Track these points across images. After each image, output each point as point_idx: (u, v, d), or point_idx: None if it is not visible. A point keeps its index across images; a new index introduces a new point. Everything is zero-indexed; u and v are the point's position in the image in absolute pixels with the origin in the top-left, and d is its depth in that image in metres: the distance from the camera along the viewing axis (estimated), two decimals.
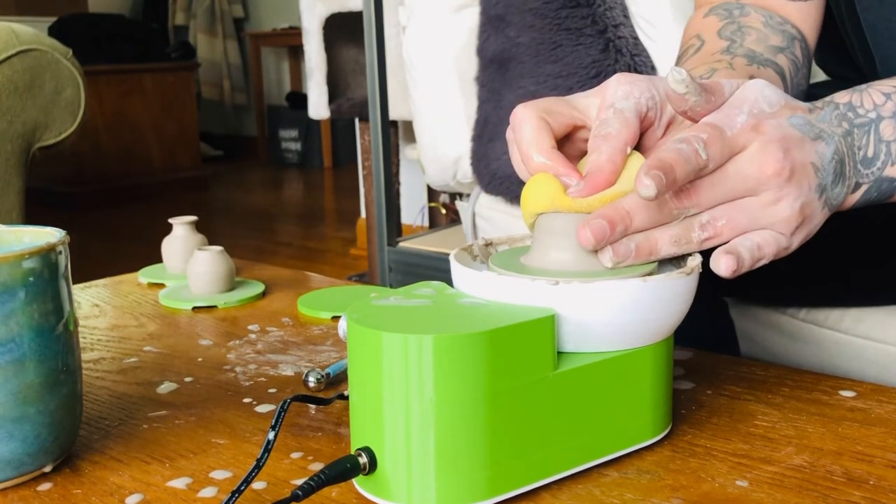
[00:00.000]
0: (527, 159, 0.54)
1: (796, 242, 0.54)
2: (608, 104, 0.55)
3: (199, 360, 0.73)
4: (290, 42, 5.26)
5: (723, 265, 0.51)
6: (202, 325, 0.83)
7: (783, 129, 0.52)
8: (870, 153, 0.56)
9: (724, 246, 0.52)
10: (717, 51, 0.71)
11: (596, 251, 0.51)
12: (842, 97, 0.57)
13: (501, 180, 1.48)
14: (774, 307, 0.88)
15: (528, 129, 0.54)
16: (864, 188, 0.57)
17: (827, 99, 0.57)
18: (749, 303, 0.88)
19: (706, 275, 0.54)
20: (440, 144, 1.72)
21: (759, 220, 0.52)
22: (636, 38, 1.44)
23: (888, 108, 0.56)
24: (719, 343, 0.74)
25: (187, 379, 0.68)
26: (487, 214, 1.58)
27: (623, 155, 0.52)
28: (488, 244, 0.59)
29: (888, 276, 0.80)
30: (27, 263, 0.49)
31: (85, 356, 0.74)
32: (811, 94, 0.72)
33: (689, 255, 0.55)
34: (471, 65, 1.58)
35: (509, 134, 0.56)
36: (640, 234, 0.51)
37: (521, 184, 0.57)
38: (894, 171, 0.57)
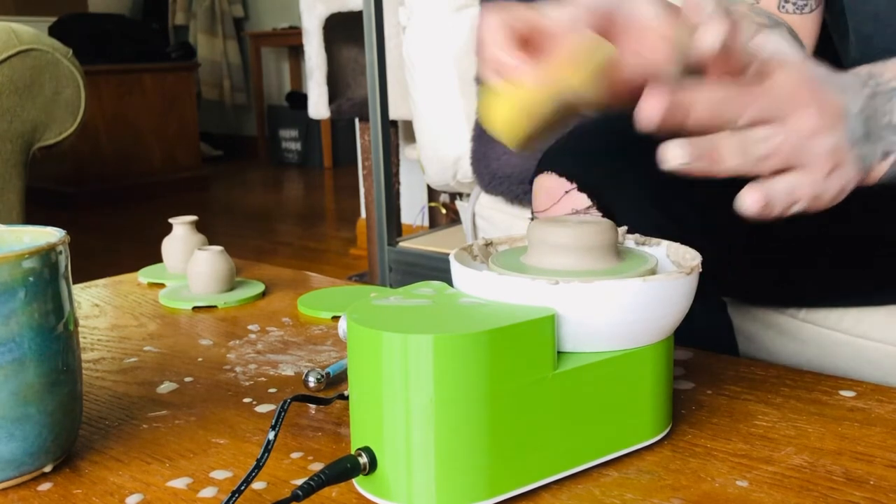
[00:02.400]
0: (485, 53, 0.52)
1: (831, 190, 0.52)
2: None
3: (199, 360, 0.73)
4: (290, 42, 5.26)
5: (749, 200, 0.49)
6: (202, 325, 0.83)
7: (809, 71, 0.51)
8: (895, 121, 0.54)
9: (755, 182, 0.50)
10: None
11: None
12: (860, 69, 0.56)
13: (501, 180, 1.48)
14: (774, 307, 0.88)
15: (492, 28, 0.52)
16: (892, 158, 0.55)
17: (848, 71, 0.55)
18: (749, 303, 0.89)
19: (707, 274, 0.54)
20: (440, 144, 1.72)
21: (802, 149, 0.50)
22: None
23: None
24: (719, 343, 0.74)
25: (187, 379, 0.68)
26: (487, 214, 1.58)
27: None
28: (488, 244, 0.59)
29: (888, 276, 0.80)
30: (27, 263, 0.49)
31: (85, 356, 0.74)
32: None
33: (689, 256, 0.55)
34: (471, 65, 1.58)
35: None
36: (705, 138, 0.49)
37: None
38: None
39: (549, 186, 0.73)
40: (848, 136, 0.52)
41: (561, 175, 0.72)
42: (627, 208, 0.69)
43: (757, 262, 0.82)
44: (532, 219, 0.76)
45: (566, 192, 0.72)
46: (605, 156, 0.72)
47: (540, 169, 0.75)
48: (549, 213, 0.73)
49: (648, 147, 0.72)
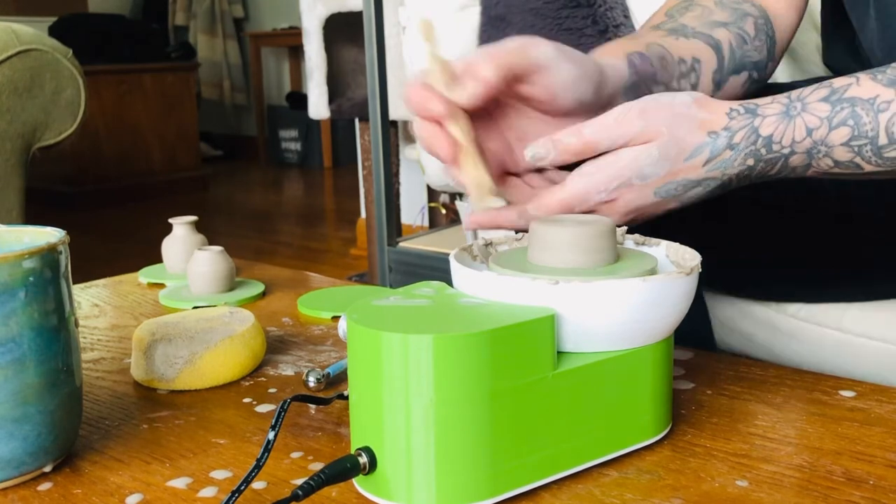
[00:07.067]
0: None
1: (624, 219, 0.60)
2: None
3: None
4: (290, 42, 5.26)
5: (534, 148, 0.58)
6: None
7: (638, 202, 0.58)
8: (773, 172, 0.60)
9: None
10: (648, 26, 0.75)
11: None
12: (767, 127, 0.58)
13: None
14: (774, 305, 0.88)
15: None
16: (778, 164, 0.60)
17: (753, 124, 0.58)
18: (748, 301, 0.88)
19: (704, 273, 0.54)
20: None
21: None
22: None
23: (805, 145, 0.58)
24: (693, 333, 0.75)
25: None
26: None
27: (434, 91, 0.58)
28: (488, 244, 0.59)
29: (887, 272, 0.80)
30: (27, 263, 0.49)
31: (85, 356, 0.74)
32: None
33: (689, 256, 0.55)
34: None
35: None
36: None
37: None
38: (799, 174, 0.61)
39: None
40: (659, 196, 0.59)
41: None
42: None
43: (746, 257, 0.82)
44: None
45: None
46: None
47: None
48: None
49: None
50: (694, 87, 0.71)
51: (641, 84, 0.67)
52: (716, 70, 0.73)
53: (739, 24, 0.75)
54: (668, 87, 0.69)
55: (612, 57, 0.65)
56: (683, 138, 0.57)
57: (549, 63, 0.58)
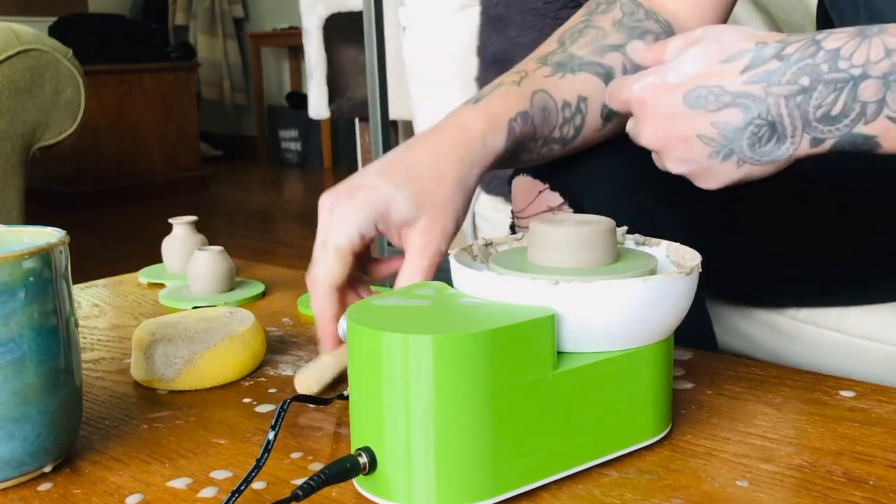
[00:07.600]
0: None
1: (678, 170, 0.60)
2: (320, 239, 0.59)
3: None
4: (290, 42, 5.26)
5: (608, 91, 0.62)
6: None
7: (668, 108, 0.56)
8: (835, 111, 0.53)
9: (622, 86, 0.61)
10: (537, 56, 0.72)
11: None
12: (835, 41, 0.53)
13: (501, 180, 1.48)
14: (774, 307, 0.88)
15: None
16: (830, 142, 0.54)
17: (814, 38, 0.53)
18: (749, 303, 0.89)
19: (706, 276, 0.54)
20: None
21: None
22: None
23: (881, 67, 0.51)
24: (693, 333, 0.74)
25: None
26: (487, 214, 1.58)
27: (332, 298, 0.60)
28: (488, 244, 0.59)
29: (883, 271, 0.80)
30: (27, 263, 0.49)
31: (85, 356, 0.74)
32: None
33: (689, 256, 0.55)
34: (471, 65, 1.58)
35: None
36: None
37: None
38: (869, 129, 0.53)
39: (524, 187, 0.74)
40: (714, 156, 0.56)
41: (535, 177, 0.74)
42: (598, 205, 0.70)
43: (731, 256, 0.82)
44: (512, 219, 0.77)
45: (539, 191, 0.73)
46: (574, 156, 0.72)
47: (515, 172, 0.77)
48: (526, 212, 0.74)
49: (615, 146, 0.73)
50: (578, 130, 0.69)
51: (518, 147, 0.66)
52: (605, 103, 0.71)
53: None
54: (546, 139, 0.68)
55: (491, 130, 0.63)
56: (727, 41, 0.55)
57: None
